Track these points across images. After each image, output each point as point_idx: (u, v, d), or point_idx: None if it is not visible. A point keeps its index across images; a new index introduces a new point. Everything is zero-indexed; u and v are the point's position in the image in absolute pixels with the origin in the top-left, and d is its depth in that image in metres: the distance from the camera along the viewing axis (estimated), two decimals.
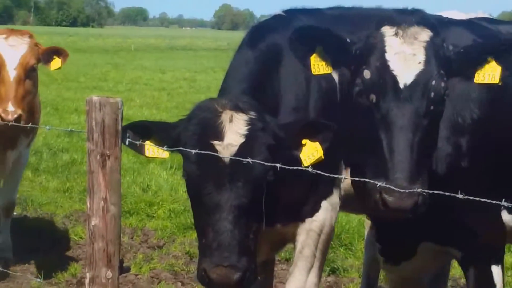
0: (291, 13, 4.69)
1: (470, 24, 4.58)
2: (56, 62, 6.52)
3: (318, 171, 3.59)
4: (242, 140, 3.71)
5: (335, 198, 4.52)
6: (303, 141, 3.82)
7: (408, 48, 3.68)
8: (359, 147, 3.80)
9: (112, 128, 3.66)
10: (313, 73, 3.91)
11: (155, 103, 19.75)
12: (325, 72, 3.91)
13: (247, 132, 3.72)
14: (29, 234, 8.09)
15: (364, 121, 3.71)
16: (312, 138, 3.82)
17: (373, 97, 3.66)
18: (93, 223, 3.67)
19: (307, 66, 3.89)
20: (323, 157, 3.80)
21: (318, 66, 3.89)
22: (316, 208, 4.45)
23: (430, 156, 3.82)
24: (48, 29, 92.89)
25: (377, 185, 3.51)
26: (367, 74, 3.69)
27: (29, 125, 5.93)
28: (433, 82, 3.64)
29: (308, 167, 3.62)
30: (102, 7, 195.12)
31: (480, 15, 5.25)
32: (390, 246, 4.43)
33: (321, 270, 4.63)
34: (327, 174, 3.62)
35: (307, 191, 4.37)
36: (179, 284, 6.82)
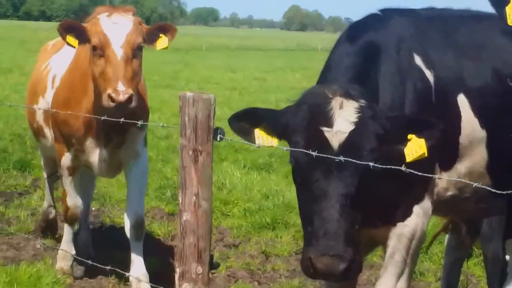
0: (387, 13, 4.63)
1: None
2: (162, 41, 5.83)
3: (412, 171, 3.51)
4: (351, 127, 3.64)
5: (427, 203, 4.41)
6: (409, 136, 3.75)
7: None
8: None
9: (205, 124, 3.67)
10: (509, 23, 3.73)
11: (227, 102, 19.85)
12: None
13: (357, 120, 3.65)
14: (107, 229, 8.22)
15: None
16: (418, 134, 3.75)
17: None
18: (184, 218, 3.68)
19: (501, 16, 3.71)
20: (426, 155, 3.73)
21: None
22: (408, 213, 4.35)
23: None
24: None
25: None
26: None
27: (121, 120, 5.15)
28: None
29: (403, 165, 3.55)
30: (174, 7, 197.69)
31: None
32: None
33: (410, 275, 4.53)
34: (420, 174, 3.52)
35: (401, 194, 4.28)
36: (256, 283, 6.80)
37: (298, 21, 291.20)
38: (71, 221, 6.70)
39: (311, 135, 3.66)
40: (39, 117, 6.79)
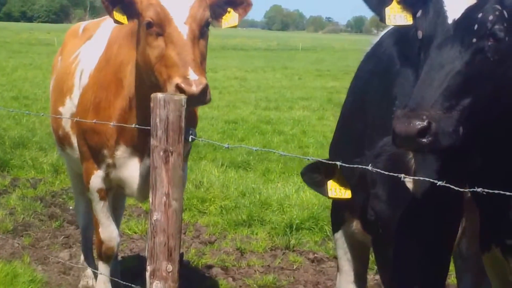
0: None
1: None
2: (231, 17, 4.62)
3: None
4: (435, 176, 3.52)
5: None
6: None
7: None
8: None
9: (176, 125, 3.72)
10: (387, 24, 3.64)
11: None
12: (404, 24, 3.57)
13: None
14: None
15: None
16: None
17: (419, 33, 3.42)
18: (155, 217, 3.75)
19: (381, 16, 3.62)
20: None
21: (395, 17, 3.61)
22: None
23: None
24: None
25: None
26: (419, 13, 3.46)
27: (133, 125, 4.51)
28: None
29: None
30: None
31: None
32: None
33: None
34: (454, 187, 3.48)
35: None
36: (230, 279, 6.91)
37: (279, 20, 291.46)
38: (106, 257, 5.53)
39: (393, 184, 3.57)
40: (65, 122, 5.58)
